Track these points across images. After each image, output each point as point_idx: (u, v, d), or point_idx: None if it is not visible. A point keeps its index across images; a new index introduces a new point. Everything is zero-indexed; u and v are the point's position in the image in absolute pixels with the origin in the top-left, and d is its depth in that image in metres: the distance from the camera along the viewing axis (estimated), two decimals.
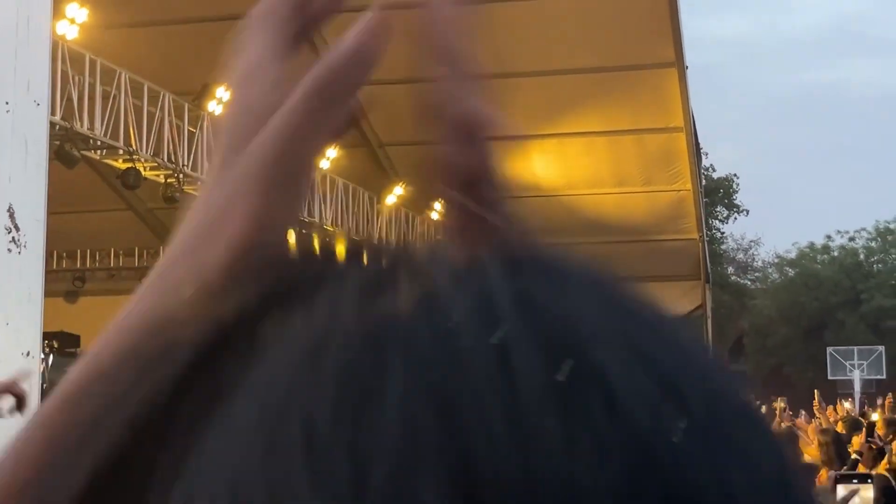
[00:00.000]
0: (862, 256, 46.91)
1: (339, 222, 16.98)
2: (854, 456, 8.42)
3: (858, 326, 42.00)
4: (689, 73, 16.42)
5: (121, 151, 12.42)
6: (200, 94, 14.07)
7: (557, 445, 0.33)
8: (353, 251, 0.42)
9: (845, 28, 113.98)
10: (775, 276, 49.74)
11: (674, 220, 19.84)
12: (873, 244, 47.28)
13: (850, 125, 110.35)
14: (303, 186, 0.48)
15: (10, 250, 2.95)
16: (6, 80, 3.14)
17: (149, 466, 0.37)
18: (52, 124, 10.78)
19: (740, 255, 49.23)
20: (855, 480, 2.29)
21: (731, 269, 47.22)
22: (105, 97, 12.01)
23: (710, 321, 21.42)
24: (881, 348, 34.40)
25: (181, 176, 13.33)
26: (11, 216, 2.95)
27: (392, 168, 19.16)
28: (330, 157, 16.83)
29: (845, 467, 7.26)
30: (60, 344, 20.45)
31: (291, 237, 0.47)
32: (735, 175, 44.10)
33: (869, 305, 43.03)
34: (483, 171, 0.47)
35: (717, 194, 42.21)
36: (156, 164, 12.95)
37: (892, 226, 47.24)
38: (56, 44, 10.96)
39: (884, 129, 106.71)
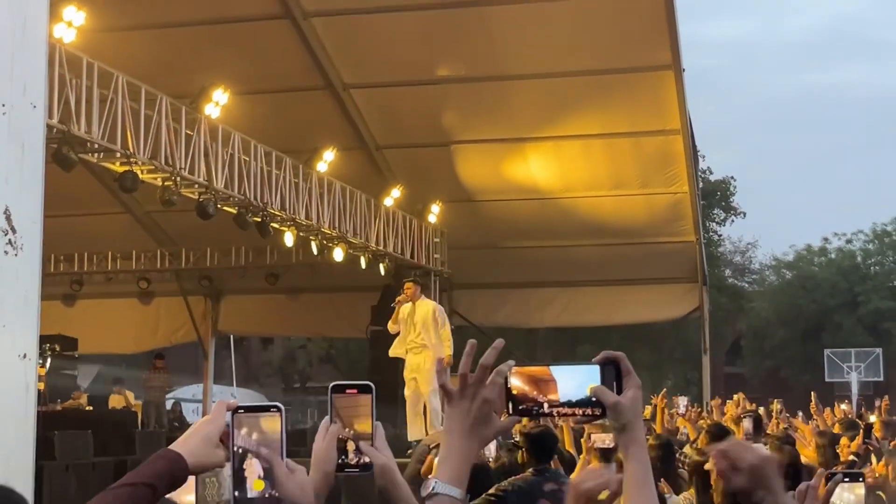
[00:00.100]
0: (859, 259, 46.88)
1: (337, 224, 16.97)
2: (851, 457, 8.42)
3: (856, 328, 41.99)
4: (686, 75, 16.43)
5: (118, 154, 12.40)
6: (198, 97, 14.07)
7: None
8: None
9: (842, 30, 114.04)
10: (772, 278, 49.70)
11: (671, 223, 19.84)
12: (870, 246, 47.25)
13: (847, 127, 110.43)
14: None
15: (6, 253, 2.94)
16: (2, 82, 3.12)
17: None
18: (50, 127, 10.78)
19: (737, 258, 49.18)
20: (847, 479, 2.30)
21: (728, 272, 47.17)
22: (102, 100, 11.99)
23: (707, 323, 21.42)
24: (878, 350, 34.40)
25: (178, 179, 13.32)
26: (8, 219, 2.95)
27: (389, 170, 19.16)
28: (328, 160, 16.85)
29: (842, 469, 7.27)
30: (60, 347, 20.47)
31: None
32: (732, 178, 44.03)
33: (866, 308, 43.01)
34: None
35: (715, 197, 42.17)
36: (153, 168, 12.93)
37: (889, 228, 47.21)
38: (53, 47, 10.96)
39: (881, 131, 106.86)
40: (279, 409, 1.90)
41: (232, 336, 28.06)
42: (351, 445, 1.99)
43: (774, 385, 39.67)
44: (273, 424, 1.90)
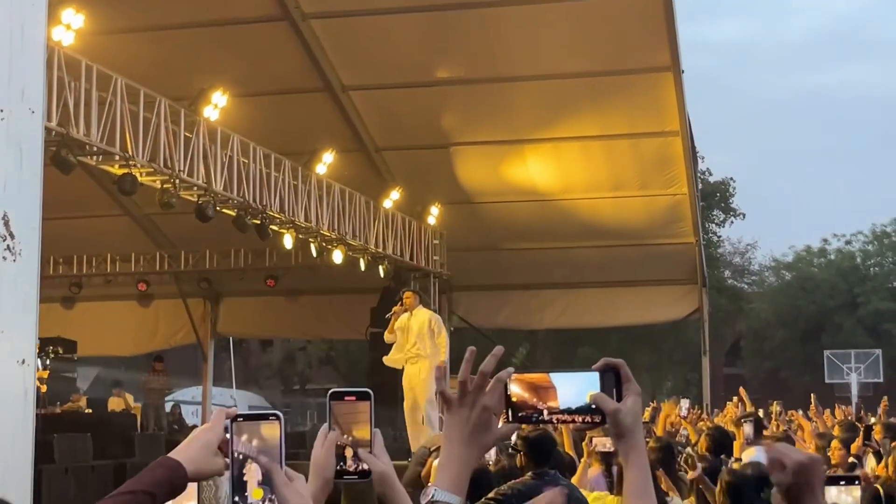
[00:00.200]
0: (859, 260, 46.89)
1: (336, 227, 16.97)
2: (851, 459, 8.42)
3: (856, 330, 42.00)
4: (685, 76, 16.43)
5: (117, 157, 12.39)
6: (196, 99, 14.06)
7: None
8: None
9: (842, 31, 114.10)
10: (772, 279, 49.71)
11: (670, 224, 19.85)
12: (870, 247, 47.27)
13: (847, 128, 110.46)
14: None
15: (4, 258, 2.94)
16: (0, 88, 3.13)
17: None
18: (48, 130, 10.77)
19: (737, 259, 49.19)
20: (843, 482, 2.30)
21: (727, 273, 47.16)
22: (101, 103, 11.99)
23: (706, 325, 21.42)
24: (878, 351, 34.40)
25: (177, 181, 13.31)
26: (6, 224, 2.94)
27: (389, 172, 19.17)
28: (327, 162, 16.85)
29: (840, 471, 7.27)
30: (60, 350, 20.48)
31: None
32: (731, 179, 44.02)
33: (866, 309, 43.03)
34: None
35: (714, 198, 42.18)
36: (152, 170, 12.92)
37: (888, 229, 47.23)
38: (52, 49, 10.96)
39: (880, 132, 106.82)
40: (278, 417, 1.90)
41: (231, 338, 28.01)
42: (349, 452, 1.99)
43: (774, 386, 39.68)
44: (272, 432, 1.89)
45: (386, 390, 14.00)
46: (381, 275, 18.78)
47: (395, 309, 13.71)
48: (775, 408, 15.19)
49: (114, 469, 14.37)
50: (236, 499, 1.86)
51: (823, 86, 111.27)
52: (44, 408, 17.39)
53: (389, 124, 18.29)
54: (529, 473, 5.64)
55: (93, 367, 28.31)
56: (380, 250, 18.25)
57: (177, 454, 1.88)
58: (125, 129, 12.26)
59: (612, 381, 1.93)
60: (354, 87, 17.44)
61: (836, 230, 51.43)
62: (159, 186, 13.40)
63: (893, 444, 8.98)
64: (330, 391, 2.02)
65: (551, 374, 1.96)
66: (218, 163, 14.11)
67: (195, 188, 13.88)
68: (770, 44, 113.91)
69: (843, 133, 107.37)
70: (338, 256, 17.49)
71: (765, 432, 9.48)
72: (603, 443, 6.84)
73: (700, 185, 27.70)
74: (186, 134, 13.55)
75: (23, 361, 2.94)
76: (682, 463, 7.14)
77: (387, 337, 13.76)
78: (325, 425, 2.01)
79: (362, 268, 18.29)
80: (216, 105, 14.22)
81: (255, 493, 1.86)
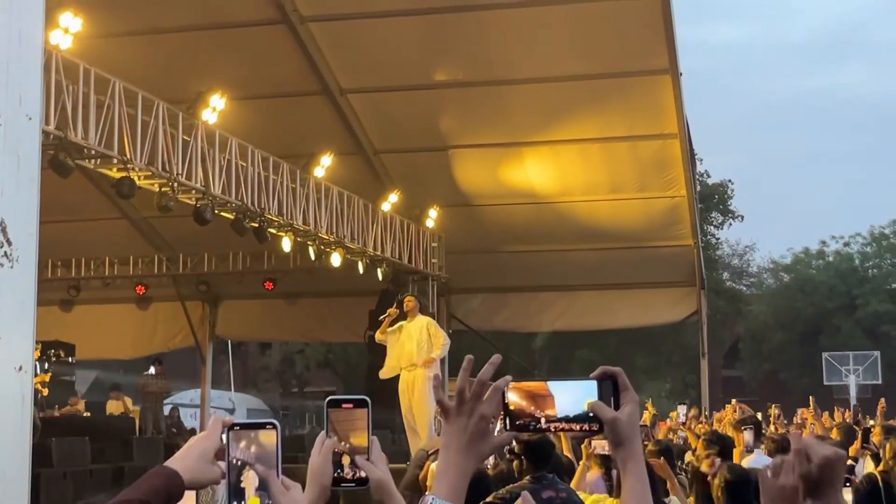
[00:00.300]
0: (857, 261, 46.92)
1: (335, 229, 16.97)
2: (849, 462, 8.42)
3: (854, 332, 42.01)
4: (683, 78, 16.44)
5: (115, 160, 12.39)
6: (195, 102, 14.07)
7: None
8: None
9: (840, 33, 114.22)
10: (770, 281, 49.72)
11: (668, 227, 19.85)
12: (868, 249, 47.30)
13: (845, 130, 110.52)
14: None
15: (1, 265, 2.94)
16: None
17: None
18: (46, 134, 10.77)
19: (735, 261, 49.19)
20: None
21: (726, 275, 47.16)
22: (99, 106, 11.99)
23: (705, 327, 21.43)
24: (877, 353, 34.41)
25: (175, 185, 13.31)
26: (3, 230, 2.94)
27: (387, 175, 19.17)
28: (325, 165, 16.85)
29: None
30: (62, 353, 20.49)
31: None
32: (730, 181, 44.05)
33: (864, 310, 43.04)
34: None
35: (712, 200, 42.20)
36: (150, 173, 12.93)
37: (886, 231, 47.27)
38: (50, 53, 10.97)
39: (878, 134, 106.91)
40: (275, 426, 1.90)
41: (230, 341, 28.01)
42: (347, 460, 1.99)
43: (772, 388, 39.71)
44: (269, 439, 1.89)
45: (384, 393, 13.98)
46: (380, 278, 18.78)
47: (389, 311, 13.68)
48: (773, 411, 15.18)
49: (112, 473, 14.36)
50: None
51: (822, 88, 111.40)
52: (42, 411, 17.39)
53: (387, 127, 18.30)
54: (528, 477, 5.63)
55: (91, 370, 28.29)
56: (378, 253, 18.25)
57: (173, 463, 1.89)
58: (123, 133, 12.26)
59: (610, 390, 1.92)
60: (352, 90, 17.44)
61: (835, 232, 51.58)
62: (157, 190, 13.40)
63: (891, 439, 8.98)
64: (327, 398, 2.02)
65: (549, 383, 1.96)
66: (216, 166, 14.11)
67: (193, 191, 13.88)
68: (769, 45, 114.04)
69: (841, 135, 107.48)
70: (336, 259, 17.49)
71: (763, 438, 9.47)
72: (602, 445, 6.82)
73: (698, 188, 27.69)
74: (184, 137, 13.55)
75: (20, 368, 2.94)
76: (681, 467, 7.15)
77: (378, 337, 13.73)
78: (323, 432, 2.01)
79: (361, 271, 18.29)
80: (214, 108, 14.23)
81: (251, 501, 1.87)
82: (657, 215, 19.56)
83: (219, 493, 2.24)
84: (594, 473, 7.23)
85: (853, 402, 27.95)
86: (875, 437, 9.17)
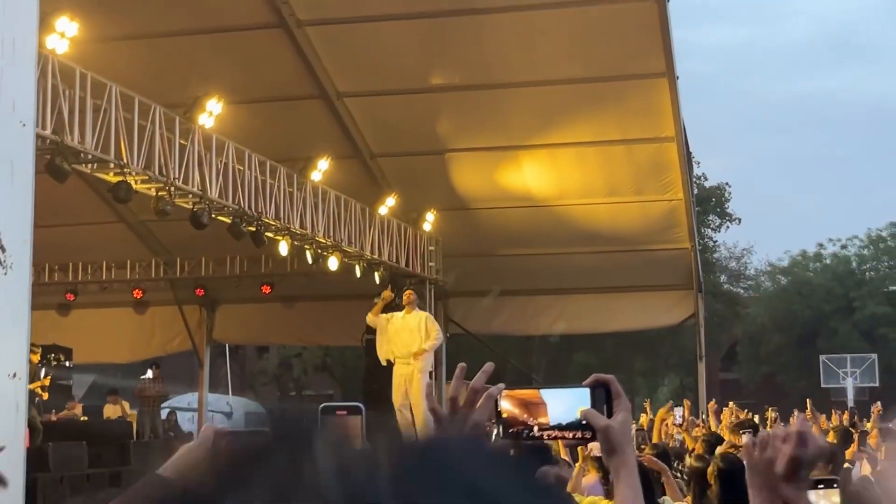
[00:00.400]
0: (854, 264, 46.91)
1: (332, 234, 16.97)
2: (846, 465, 8.42)
3: (851, 334, 41.99)
4: (680, 81, 16.46)
5: (112, 165, 12.39)
6: (192, 106, 14.08)
7: None
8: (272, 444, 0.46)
9: (837, 37, 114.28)
10: (768, 284, 49.71)
11: (666, 230, 19.86)
12: (865, 252, 47.29)
13: (842, 133, 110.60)
14: None
15: None
16: None
17: None
18: (43, 138, 10.77)
19: (733, 264, 49.19)
20: (821, 486, 2.30)
21: (723, 278, 47.16)
22: (96, 110, 11.99)
23: (702, 330, 21.43)
24: (874, 356, 34.41)
25: (172, 189, 13.31)
26: None
27: (384, 179, 19.17)
28: (322, 169, 16.85)
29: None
30: (56, 357, 20.44)
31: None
32: (727, 184, 44.07)
33: (861, 313, 43.02)
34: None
35: (710, 203, 42.21)
36: (147, 178, 12.93)
37: (884, 233, 47.26)
38: (46, 58, 10.96)
39: (875, 137, 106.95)
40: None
41: (227, 345, 27.98)
42: None
43: (770, 391, 39.69)
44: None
45: (381, 397, 14.00)
46: (377, 281, 18.76)
47: (384, 294, 13.72)
48: (771, 414, 15.19)
49: (109, 477, 14.36)
50: None
51: (819, 90, 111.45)
52: (40, 415, 17.36)
53: (384, 131, 18.29)
54: None
55: (89, 374, 28.23)
56: (375, 257, 18.26)
57: (165, 471, 1.89)
58: (120, 137, 12.26)
59: (603, 397, 1.92)
60: (349, 94, 17.44)
61: (832, 235, 51.57)
62: (154, 194, 13.40)
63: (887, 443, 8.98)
64: (321, 406, 2.02)
65: (542, 391, 1.96)
66: (213, 170, 14.11)
67: (190, 195, 13.88)
68: (766, 48, 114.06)
69: (838, 138, 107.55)
70: (333, 263, 17.48)
71: None
72: (599, 447, 6.81)
73: (696, 190, 27.72)
74: (181, 141, 13.56)
75: (14, 375, 2.93)
76: (679, 470, 7.14)
77: (369, 318, 13.76)
78: None
79: (358, 274, 18.29)
80: (211, 112, 14.23)
81: None
82: (654, 218, 19.57)
83: None
84: (592, 477, 7.23)
85: (850, 404, 27.97)
86: (871, 440, 9.18)
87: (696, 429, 12.97)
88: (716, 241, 44.80)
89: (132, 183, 12.75)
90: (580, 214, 19.49)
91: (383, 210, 18.53)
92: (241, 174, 14.81)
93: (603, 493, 6.78)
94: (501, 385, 1.96)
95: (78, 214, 18.87)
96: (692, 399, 25.79)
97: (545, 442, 6.35)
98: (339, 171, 17.42)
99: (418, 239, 19.75)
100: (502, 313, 21.79)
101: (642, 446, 8.79)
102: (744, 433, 8.79)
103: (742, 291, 49.00)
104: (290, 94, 17.18)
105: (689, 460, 8.80)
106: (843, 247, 47.31)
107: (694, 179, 28.32)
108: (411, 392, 13.28)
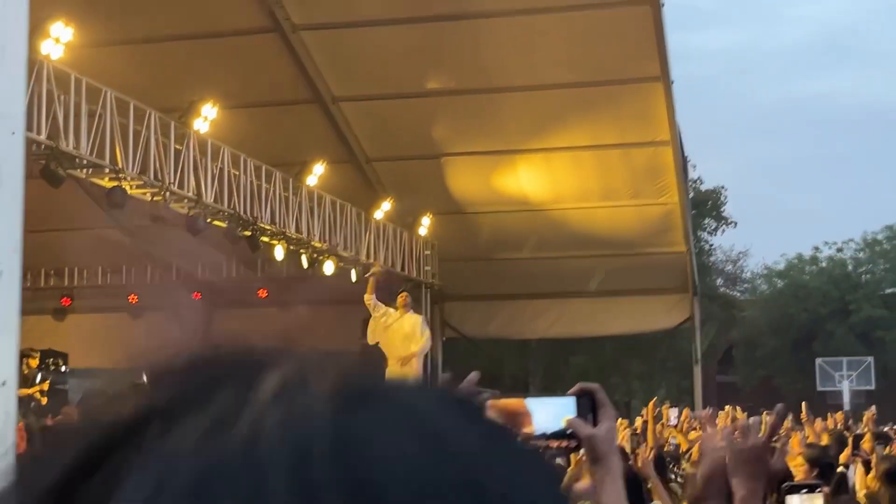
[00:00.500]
0: (850, 267, 46.90)
1: (328, 238, 16.96)
2: (840, 469, 8.41)
3: (847, 337, 41.97)
4: (675, 85, 16.49)
5: (106, 170, 12.39)
6: (187, 111, 14.07)
7: None
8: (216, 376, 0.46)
9: (832, 41, 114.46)
10: (764, 287, 49.72)
11: (661, 233, 19.87)
12: (861, 255, 47.29)
13: (838, 137, 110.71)
14: None
15: None
16: None
17: None
18: (38, 143, 10.77)
19: (729, 267, 49.19)
20: (805, 490, 2.31)
21: (719, 281, 47.16)
22: (90, 116, 11.99)
23: (698, 333, 21.44)
24: (870, 359, 34.39)
25: (167, 194, 13.30)
26: None
27: (379, 183, 19.17)
28: (318, 174, 16.85)
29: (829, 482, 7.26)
30: (53, 362, 20.40)
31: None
32: (723, 187, 44.03)
33: (858, 316, 43.02)
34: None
35: (705, 206, 42.19)
36: (142, 183, 12.92)
37: (880, 237, 47.27)
38: (41, 63, 10.96)
39: (871, 140, 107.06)
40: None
41: None
42: None
43: (766, 394, 39.63)
44: None
45: None
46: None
47: (374, 270, 13.74)
48: (766, 418, 15.15)
49: None
50: None
51: (815, 94, 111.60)
52: (37, 420, 17.32)
53: (380, 135, 18.30)
54: None
55: (85, 379, 28.16)
56: (371, 261, 18.23)
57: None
58: (115, 142, 12.26)
59: (588, 406, 1.92)
60: (345, 99, 17.44)
61: (828, 238, 51.48)
62: (149, 199, 13.39)
63: (884, 450, 8.98)
64: None
65: (527, 400, 1.96)
66: (208, 175, 14.11)
67: (185, 200, 13.87)
68: (762, 52, 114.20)
69: (835, 141, 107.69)
70: (329, 267, 17.48)
71: None
72: None
73: (692, 194, 27.75)
74: (176, 146, 13.55)
75: (3, 383, 2.93)
76: (676, 472, 7.13)
77: (365, 298, 13.78)
78: None
79: (353, 279, 18.28)
80: (206, 117, 14.23)
81: None
82: (650, 222, 19.57)
83: None
84: (585, 483, 7.22)
85: (846, 407, 27.97)
86: (865, 445, 9.18)
87: (694, 432, 12.95)
88: (712, 245, 44.79)
89: (127, 188, 12.75)
90: (576, 218, 19.49)
91: (379, 214, 18.53)
92: (237, 179, 14.81)
93: None
94: (486, 395, 1.96)
95: (73, 220, 18.84)
96: (689, 402, 25.77)
97: None
98: (335, 175, 17.42)
99: (414, 243, 19.74)
100: (498, 317, 21.78)
101: (636, 451, 8.77)
102: None
103: (738, 294, 49.00)
104: (286, 99, 17.19)
105: (685, 465, 8.81)
106: (840, 250, 47.32)
107: (690, 183, 28.37)
108: None
